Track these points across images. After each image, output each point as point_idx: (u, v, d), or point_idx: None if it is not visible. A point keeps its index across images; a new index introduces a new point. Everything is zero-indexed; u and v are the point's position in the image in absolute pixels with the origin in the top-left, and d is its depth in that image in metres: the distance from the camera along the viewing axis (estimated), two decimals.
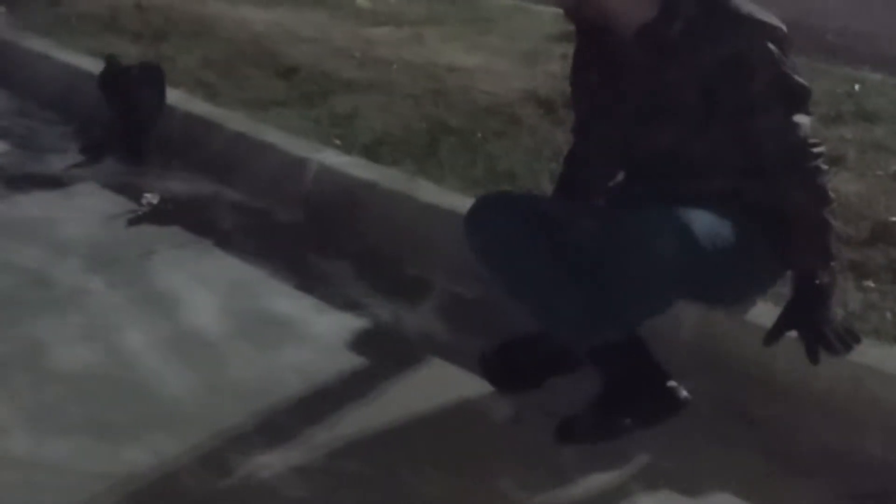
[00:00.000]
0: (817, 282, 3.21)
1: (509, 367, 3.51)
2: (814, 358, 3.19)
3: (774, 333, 3.27)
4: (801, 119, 3.24)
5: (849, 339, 3.21)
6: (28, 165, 5.16)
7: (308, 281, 4.10)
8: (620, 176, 3.60)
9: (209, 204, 4.76)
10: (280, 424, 3.34)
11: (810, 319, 3.22)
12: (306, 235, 4.42)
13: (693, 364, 3.48)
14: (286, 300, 4.00)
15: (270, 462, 3.15)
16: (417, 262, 4.15)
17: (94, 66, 5.82)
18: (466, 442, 3.29)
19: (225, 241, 4.45)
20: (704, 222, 3.15)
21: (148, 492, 3.02)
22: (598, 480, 3.13)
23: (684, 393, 3.26)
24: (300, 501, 3.01)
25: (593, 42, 3.42)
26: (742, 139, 3.24)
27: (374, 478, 3.10)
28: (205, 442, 3.23)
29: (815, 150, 3.23)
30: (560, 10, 3.39)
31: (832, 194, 3.28)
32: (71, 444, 3.20)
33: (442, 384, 3.58)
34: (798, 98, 3.25)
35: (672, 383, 3.26)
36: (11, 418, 3.31)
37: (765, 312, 3.49)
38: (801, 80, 3.25)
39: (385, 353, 3.73)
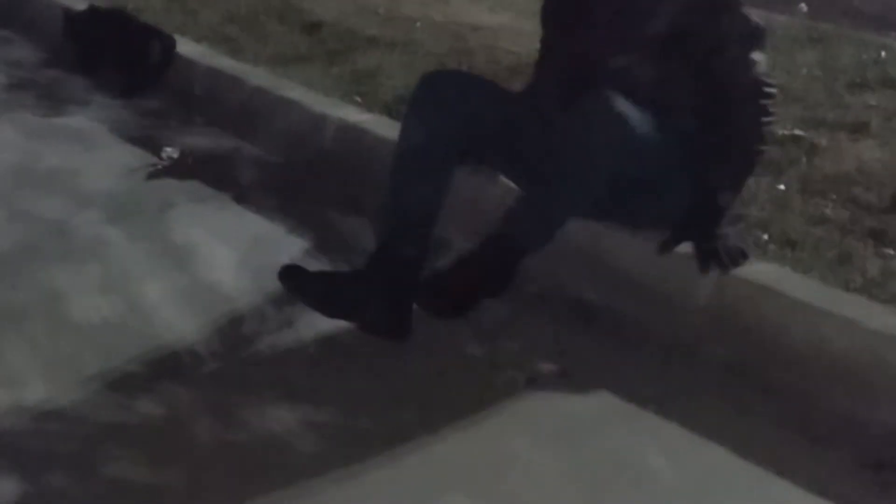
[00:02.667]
0: (718, 200, 3.48)
1: (442, 295, 3.55)
2: (704, 268, 3.46)
3: (669, 244, 3.54)
4: (758, 57, 3.50)
5: (737, 257, 3.47)
6: (50, 116, 5.16)
7: (326, 237, 4.09)
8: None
9: (229, 159, 4.76)
10: (293, 380, 3.35)
11: (705, 232, 3.48)
12: (325, 192, 4.42)
13: (708, 330, 3.48)
14: (304, 256, 3.99)
15: (283, 417, 3.16)
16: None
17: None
18: (480, 402, 3.28)
19: (244, 197, 4.44)
20: (644, 123, 3.38)
21: (161, 444, 3.03)
22: (608, 442, 3.12)
23: None
24: (312, 457, 3.01)
25: None
26: (701, 71, 3.49)
27: (387, 436, 3.09)
28: (218, 396, 3.24)
29: (768, 90, 3.51)
30: None
31: (767, 138, 3.60)
32: (85, 395, 3.22)
33: (456, 343, 3.58)
34: (756, 37, 3.51)
35: None
36: (27, 367, 3.33)
37: (783, 277, 3.49)
38: (758, 20, 3.52)
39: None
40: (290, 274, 3.63)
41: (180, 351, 3.45)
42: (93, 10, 5.84)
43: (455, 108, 3.59)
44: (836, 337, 3.24)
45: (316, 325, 3.60)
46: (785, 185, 4.14)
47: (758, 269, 3.54)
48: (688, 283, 3.58)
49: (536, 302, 3.77)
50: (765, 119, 3.53)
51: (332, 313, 3.58)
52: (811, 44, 5.78)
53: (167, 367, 3.38)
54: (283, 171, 4.61)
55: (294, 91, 4.97)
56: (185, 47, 5.55)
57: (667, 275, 3.63)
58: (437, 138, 3.59)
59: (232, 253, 4.02)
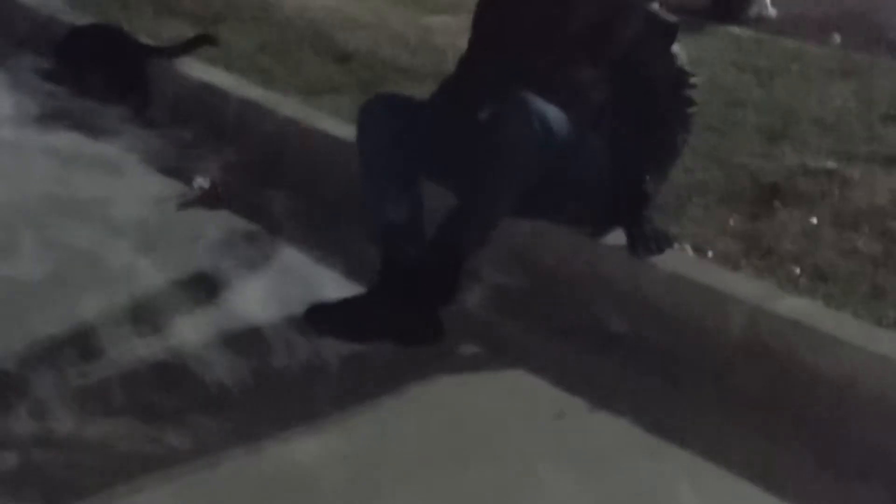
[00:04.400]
0: (645, 187, 3.73)
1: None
2: (634, 253, 3.70)
3: (600, 230, 3.80)
4: (676, 49, 3.86)
5: (662, 242, 3.73)
6: (84, 146, 5.17)
7: (356, 268, 4.08)
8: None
9: (259, 188, 4.75)
10: (322, 411, 3.34)
11: (633, 218, 3.72)
12: (356, 222, 4.41)
13: (738, 363, 3.46)
14: (333, 287, 3.97)
15: (311, 449, 3.16)
16: None
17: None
18: (509, 435, 3.28)
19: (274, 227, 4.45)
20: (563, 121, 3.62)
21: (189, 475, 3.03)
22: (636, 475, 3.11)
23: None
24: (340, 489, 3.01)
25: None
26: (621, 67, 3.75)
27: (416, 468, 3.09)
28: (247, 427, 3.24)
29: (692, 79, 3.89)
30: None
31: (692, 127, 3.93)
32: (114, 426, 3.22)
33: (486, 376, 3.59)
34: (670, 33, 3.84)
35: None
36: (57, 398, 3.34)
37: (815, 312, 3.47)
38: (669, 17, 3.89)
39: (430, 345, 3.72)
40: (314, 315, 3.70)
41: (209, 382, 3.45)
42: (84, 28, 6.06)
43: (392, 128, 3.79)
44: (868, 372, 3.21)
45: (343, 354, 3.61)
46: (817, 219, 4.11)
47: (790, 303, 3.53)
48: (719, 316, 3.56)
49: (565, 332, 3.76)
50: (688, 109, 3.89)
51: (363, 338, 3.63)
52: (844, 75, 5.76)
53: (196, 397, 3.38)
54: (314, 202, 4.61)
55: (325, 121, 4.97)
56: (217, 77, 5.57)
57: (698, 306, 3.62)
58: (385, 157, 3.78)
59: (261, 283, 4.03)
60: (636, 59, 3.80)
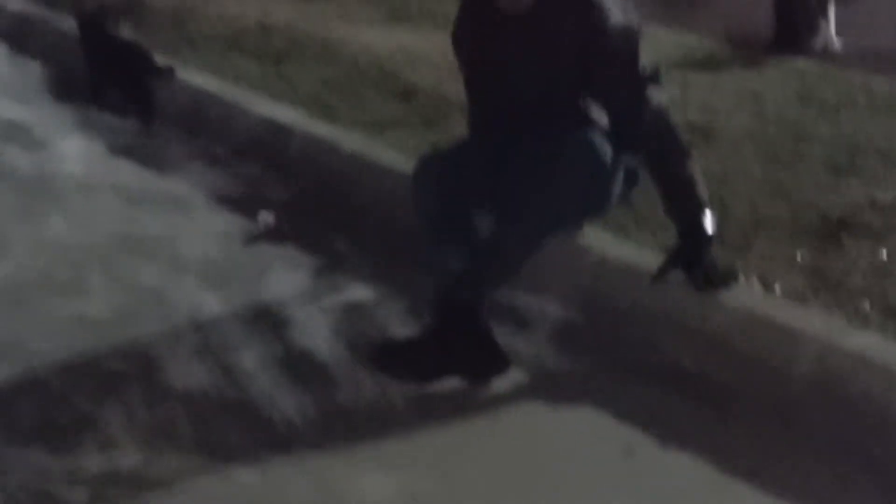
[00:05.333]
0: (701, 228, 3.70)
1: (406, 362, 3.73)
2: (701, 289, 3.73)
3: (663, 273, 3.76)
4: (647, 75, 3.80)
5: (727, 279, 3.78)
6: (150, 183, 5.22)
7: (421, 304, 4.08)
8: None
9: (325, 224, 4.77)
10: (389, 448, 3.35)
11: (697, 261, 3.73)
12: (420, 257, 4.41)
13: (807, 400, 3.43)
14: (398, 323, 3.98)
15: (380, 486, 3.15)
16: (530, 286, 4.11)
17: (218, 86, 5.92)
18: (578, 472, 3.26)
19: (340, 263, 4.46)
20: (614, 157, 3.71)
21: None
22: None
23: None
24: None
25: (476, 8, 3.92)
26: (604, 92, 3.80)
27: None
28: (314, 464, 3.25)
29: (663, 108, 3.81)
30: None
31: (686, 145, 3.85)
32: (181, 462, 3.24)
33: (553, 413, 3.58)
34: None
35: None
36: (124, 434, 3.36)
37: (886, 348, 3.44)
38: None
39: (497, 379, 3.71)
40: (381, 356, 3.70)
41: (276, 419, 3.46)
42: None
43: (440, 180, 3.86)
44: None
45: (410, 391, 3.62)
46: (886, 253, 4.07)
47: (859, 340, 3.49)
48: (788, 352, 3.54)
49: (633, 369, 3.74)
50: (678, 135, 3.83)
51: (431, 378, 3.65)
52: None
53: (263, 434, 3.39)
54: (379, 237, 4.61)
55: (389, 157, 4.98)
56: (282, 113, 5.60)
57: (766, 343, 3.59)
58: (437, 208, 3.83)
59: (327, 319, 4.03)
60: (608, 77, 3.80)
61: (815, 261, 4.04)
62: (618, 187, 3.82)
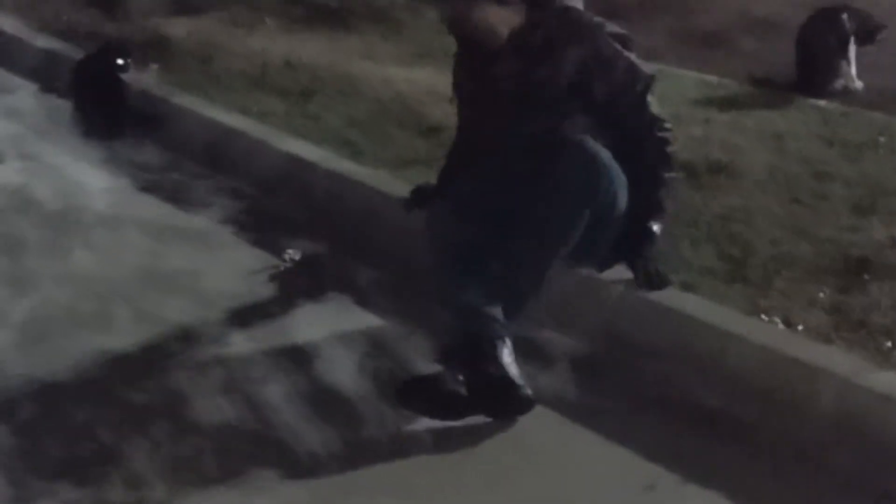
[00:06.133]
0: (650, 226, 3.90)
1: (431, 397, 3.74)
2: (641, 286, 3.93)
3: (606, 264, 3.99)
4: (651, 99, 3.96)
5: (663, 280, 3.96)
6: (175, 218, 5.25)
7: (446, 340, 4.09)
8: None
9: (350, 261, 4.79)
10: (412, 482, 3.37)
11: (640, 256, 3.94)
12: (441, 298, 4.44)
13: (829, 439, 3.43)
14: (423, 359, 4.00)
15: None
16: (553, 321, 4.13)
17: (244, 123, 5.96)
18: None
19: (364, 299, 4.48)
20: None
21: None
22: None
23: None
24: None
25: (471, 49, 4.06)
26: (607, 119, 3.89)
27: None
28: (339, 499, 3.27)
29: (666, 124, 3.99)
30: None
31: (674, 166, 4.05)
32: (207, 496, 3.26)
33: (575, 447, 3.59)
34: (646, 81, 3.95)
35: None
36: (150, 468, 3.38)
37: None
38: (645, 69, 3.97)
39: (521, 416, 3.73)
40: (406, 393, 3.71)
41: (300, 453, 3.48)
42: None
43: (451, 227, 3.96)
44: None
45: (433, 425, 3.64)
46: None
47: (882, 378, 3.50)
48: (809, 390, 3.54)
49: (655, 405, 3.75)
50: (669, 148, 4.00)
51: (455, 415, 3.67)
52: None
53: (288, 469, 3.41)
54: (404, 274, 4.64)
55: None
56: (306, 150, 5.64)
57: (788, 381, 3.60)
58: (450, 251, 3.91)
59: (352, 355, 4.05)
60: (616, 108, 3.94)
61: (837, 299, 4.05)
62: (621, 189, 3.87)
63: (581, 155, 3.78)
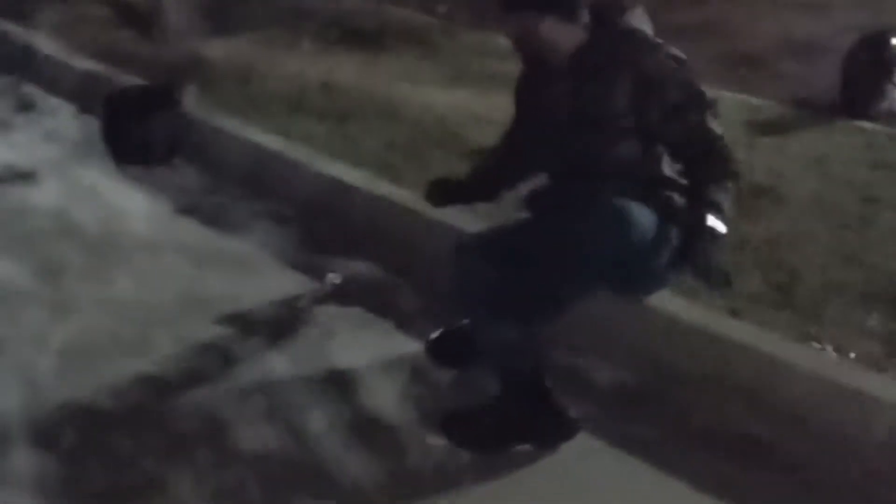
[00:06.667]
0: (707, 222, 3.67)
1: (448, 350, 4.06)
2: (698, 279, 3.72)
3: (672, 263, 3.79)
4: (714, 122, 3.81)
5: (721, 276, 3.71)
6: (216, 242, 5.23)
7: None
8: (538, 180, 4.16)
9: (391, 285, 4.76)
10: None
11: (700, 256, 3.67)
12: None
13: (882, 472, 3.37)
14: (465, 387, 3.96)
15: None
16: (598, 349, 4.09)
17: (283, 145, 5.94)
18: None
19: (406, 324, 4.44)
20: (642, 214, 3.70)
21: None
22: None
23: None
24: None
25: (536, 66, 4.01)
26: (666, 138, 3.80)
27: None
28: None
29: (726, 140, 3.82)
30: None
31: (737, 176, 3.84)
32: None
33: (621, 477, 3.56)
34: (703, 99, 3.83)
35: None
36: (194, 496, 3.37)
37: None
38: (700, 87, 3.85)
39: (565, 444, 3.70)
40: (451, 426, 3.73)
41: (344, 482, 3.45)
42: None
43: (480, 262, 3.88)
44: None
45: (478, 460, 3.61)
46: None
47: None
48: (861, 423, 3.49)
49: (702, 437, 3.70)
50: (730, 163, 3.81)
51: (501, 447, 3.66)
52: None
53: (331, 497, 3.39)
54: (446, 297, 4.59)
55: (454, 216, 4.96)
56: (347, 174, 5.60)
57: (839, 413, 3.54)
58: (482, 288, 3.81)
59: (395, 382, 4.01)
60: (674, 130, 3.81)
61: (890, 327, 3.99)
62: (657, 266, 3.81)
63: (608, 215, 3.68)
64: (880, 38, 6.82)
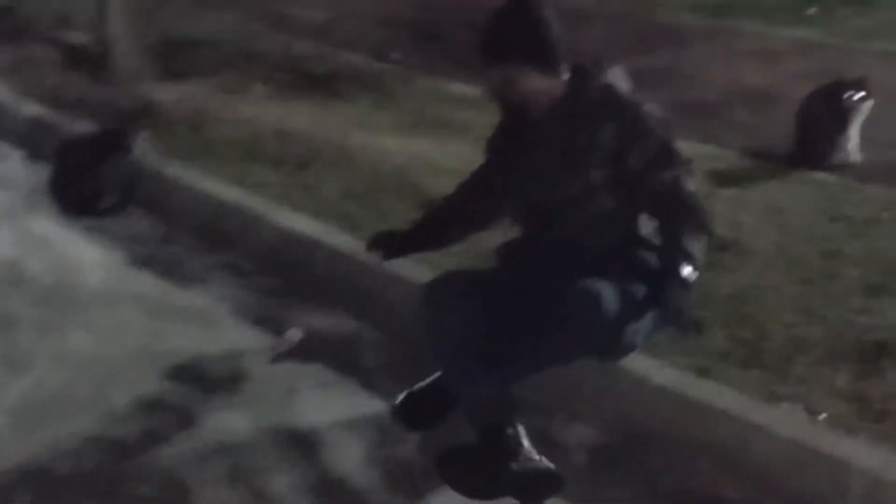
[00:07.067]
0: (679, 269, 3.65)
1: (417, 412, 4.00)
2: (668, 323, 3.69)
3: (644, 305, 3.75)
4: (684, 173, 3.82)
5: (690, 321, 3.65)
6: (172, 295, 5.14)
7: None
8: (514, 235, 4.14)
9: (352, 341, 4.70)
10: None
11: (669, 297, 3.64)
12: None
13: None
14: (432, 446, 3.89)
15: None
16: (568, 410, 4.04)
17: (238, 195, 5.86)
18: None
19: (369, 382, 4.38)
20: (614, 293, 3.66)
21: None
22: None
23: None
24: None
25: (514, 118, 4.01)
26: (640, 193, 3.81)
27: None
28: None
29: (699, 199, 3.86)
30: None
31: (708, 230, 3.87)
32: None
33: None
34: (679, 157, 3.82)
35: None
36: None
37: None
38: (676, 145, 3.84)
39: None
40: (444, 464, 3.71)
41: None
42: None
43: (456, 303, 3.87)
44: None
45: None
46: None
47: None
48: (833, 487, 3.46)
49: (673, 498, 3.68)
50: (703, 216, 3.82)
51: (488, 497, 3.67)
52: None
53: None
54: (409, 355, 4.53)
55: (410, 269, 4.90)
56: (304, 224, 5.54)
57: (813, 476, 3.51)
58: (454, 332, 3.83)
59: (359, 442, 3.96)
60: (650, 185, 3.79)
61: (857, 387, 3.97)
62: (632, 334, 3.77)
63: (584, 307, 3.63)
64: (834, 89, 6.84)
